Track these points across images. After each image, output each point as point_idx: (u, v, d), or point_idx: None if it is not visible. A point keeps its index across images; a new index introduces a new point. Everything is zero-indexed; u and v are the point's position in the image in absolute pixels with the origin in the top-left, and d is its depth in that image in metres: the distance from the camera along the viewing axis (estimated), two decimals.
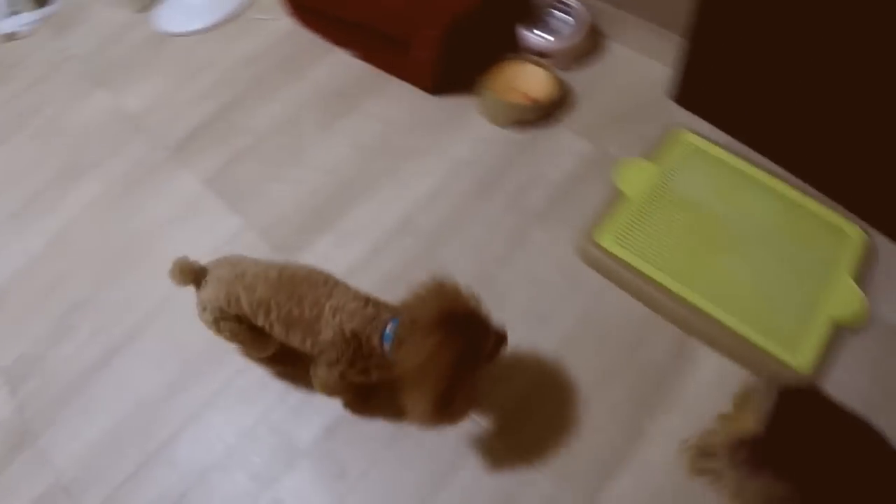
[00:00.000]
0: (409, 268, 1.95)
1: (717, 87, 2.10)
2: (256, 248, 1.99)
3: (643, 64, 2.34)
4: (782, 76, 1.90)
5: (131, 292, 1.98)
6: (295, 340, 1.50)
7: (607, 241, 1.89)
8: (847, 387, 1.70)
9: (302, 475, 1.65)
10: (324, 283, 1.49)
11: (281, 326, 1.48)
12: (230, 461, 1.68)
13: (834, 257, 1.88)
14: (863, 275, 1.86)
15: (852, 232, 1.93)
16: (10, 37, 2.86)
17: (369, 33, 2.34)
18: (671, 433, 1.66)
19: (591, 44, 2.38)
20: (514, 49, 2.36)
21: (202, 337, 1.81)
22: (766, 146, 2.09)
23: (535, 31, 2.34)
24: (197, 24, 2.63)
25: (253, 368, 1.81)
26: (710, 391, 1.71)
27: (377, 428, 1.70)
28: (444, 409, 1.35)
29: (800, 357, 1.71)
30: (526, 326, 1.81)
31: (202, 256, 1.90)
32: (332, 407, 1.73)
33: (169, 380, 1.82)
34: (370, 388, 1.69)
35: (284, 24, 2.61)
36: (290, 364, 1.76)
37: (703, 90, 2.15)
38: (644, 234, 1.91)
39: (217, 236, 2.04)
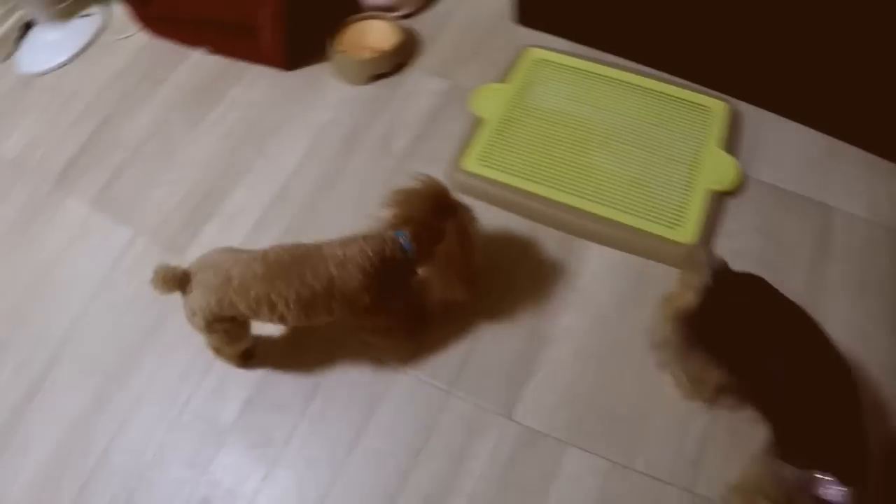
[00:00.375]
0: (293, 232, 2.01)
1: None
2: (148, 252, 2.03)
3: None
4: None
5: (42, 324, 2.00)
6: (320, 316, 1.50)
7: (474, 165, 1.95)
8: (740, 250, 1.78)
9: (232, 452, 1.70)
10: (310, 253, 1.49)
11: (297, 312, 1.46)
12: (164, 456, 1.72)
13: (700, 132, 1.96)
14: (732, 142, 1.94)
15: (714, 105, 2.01)
16: None
17: (218, 27, 2.39)
18: (572, 330, 1.73)
19: None
20: (356, 8, 2.41)
21: (116, 349, 1.89)
22: (614, 44, 2.16)
23: None
24: (59, 59, 2.64)
25: (167, 364, 1.85)
26: (602, 284, 1.79)
27: (292, 389, 1.75)
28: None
29: (682, 232, 1.78)
30: None
31: (100, 274, 1.97)
32: (247, 379, 1.78)
33: (94, 396, 1.84)
34: (418, 309, 1.75)
35: (139, 38, 2.63)
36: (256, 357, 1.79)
37: (542, 5, 2.21)
38: (509, 151, 1.97)
39: (111, 250, 2.07)
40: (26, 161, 2.38)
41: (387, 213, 1.55)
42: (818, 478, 1.17)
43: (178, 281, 1.48)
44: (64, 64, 2.63)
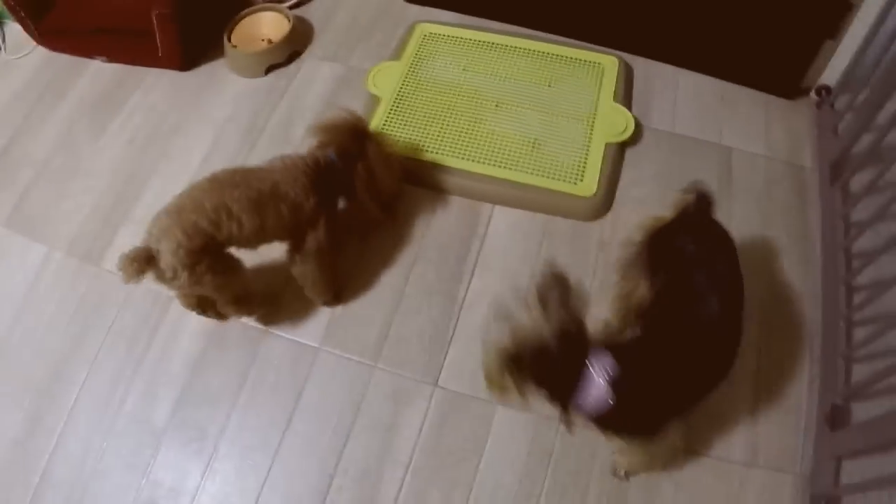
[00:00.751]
0: None
1: None
2: (65, 265, 2.04)
3: None
4: None
5: None
6: (270, 218, 1.56)
7: None
8: (643, 197, 1.85)
9: (170, 450, 1.73)
10: (253, 168, 1.61)
11: (251, 214, 1.52)
12: (104, 464, 1.75)
13: (594, 88, 2.03)
14: (626, 95, 2.00)
15: (605, 61, 2.07)
16: None
17: (113, 35, 2.39)
18: (484, 293, 1.79)
19: None
20: (247, 2, 2.43)
21: (45, 365, 1.90)
22: (500, 12, 2.21)
23: None
24: None
25: (96, 372, 1.87)
26: (509, 244, 1.85)
27: (220, 381, 1.79)
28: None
29: (584, 186, 1.84)
30: None
31: (21, 293, 2.00)
32: (175, 376, 1.82)
33: (29, 414, 1.85)
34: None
35: (37, 54, 2.61)
36: (255, 304, 1.81)
37: None
38: (406, 125, 2.02)
39: (27, 268, 2.07)
40: None
41: (311, 140, 1.70)
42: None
43: (144, 258, 1.47)
44: None
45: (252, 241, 1.62)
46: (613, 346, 1.26)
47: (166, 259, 1.47)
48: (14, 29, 2.68)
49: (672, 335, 1.33)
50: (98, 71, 2.49)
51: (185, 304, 1.78)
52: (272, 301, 1.86)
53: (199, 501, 1.67)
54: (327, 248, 1.69)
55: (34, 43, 2.58)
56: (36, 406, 1.86)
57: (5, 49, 2.66)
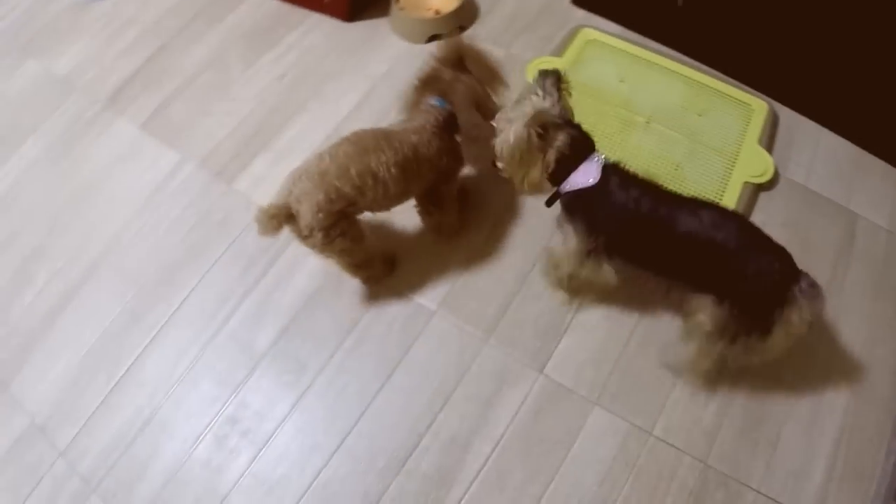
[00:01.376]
0: None
1: None
2: (196, 177, 2.07)
3: None
4: None
5: (83, 235, 2.05)
6: (414, 182, 1.64)
7: None
8: None
9: (264, 375, 1.75)
10: (386, 131, 1.64)
11: (398, 175, 1.57)
12: (195, 373, 1.77)
13: (741, 127, 2.03)
14: (769, 141, 2.00)
15: (755, 104, 2.07)
16: None
17: None
18: (603, 296, 1.78)
19: None
20: None
21: (156, 265, 1.93)
22: (663, 34, 2.22)
23: None
24: None
25: (206, 286, 1.89)
26: None
27: (330, 322, 1.80)
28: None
29: None
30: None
31: (146, 192, 2.05)
32: (285, 308, 1.83)
33: (129, 308, 1.89)
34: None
35: None
36: (380, 266, 1.84)
37: None
38: None
39: (158, 172, 2.11)
40: (77, 80, 2.42)
41: (416, 89, 1.72)
42: None
43: (284, 215, 1.51)
44: None
45: (392, 204, 1.66)
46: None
47: (305, 219, 1.51)
48: None
49: None
50: (259, 3, 2.53)
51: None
52: (391, 265, 1.87)
53: (282, 431, 1.68)
54: (456, 197, 1.78)
55: None
56: (138, 302, 1.90)
57: None
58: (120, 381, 1.79)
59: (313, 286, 1.86)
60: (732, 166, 1.95)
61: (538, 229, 1.89)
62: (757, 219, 1.89)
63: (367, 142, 1.58)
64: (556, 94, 1.50)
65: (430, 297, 1.81)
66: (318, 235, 1.53)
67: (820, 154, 2.08)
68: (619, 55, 2.18)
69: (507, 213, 1.93)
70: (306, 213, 1.50)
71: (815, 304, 1.35)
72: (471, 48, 1.70)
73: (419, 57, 2.18)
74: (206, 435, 1.70)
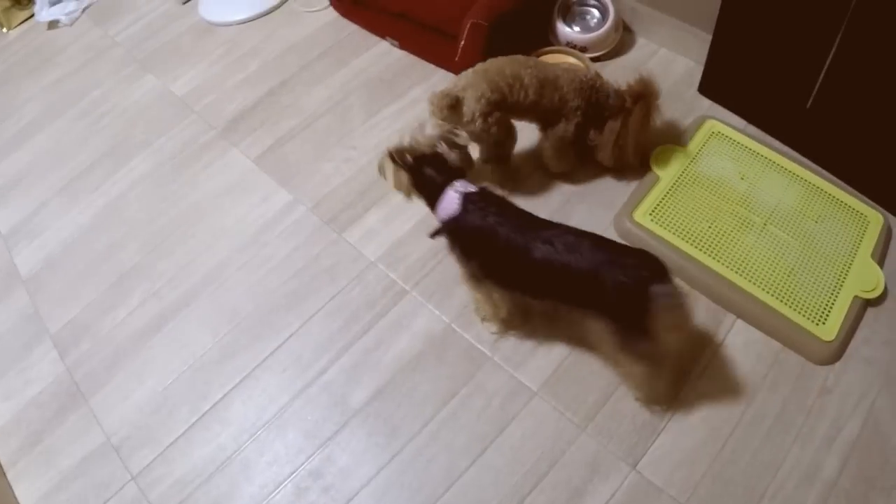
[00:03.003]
0: None
1: (741, 78, 2.20)
2: (307, 221, 2.08)
3: (670, 58, 2.44)
4: (802, 67, 2.00)
5: (183, 261, 2.07)
6: (545, 98, 1.90)
7: (643, 218, 1.99)
8: (870, 358, 1.79)
9: (353, 434, 1.73)
10: (546, 61, 2.00)
11: (535, 89, 1.87)
12: (283, 420, 1.77)
13: (856, 238, 1.99)
14: (881, 254, 1.96)
15: (871, 215, 2.03)
16: (52, 25, 2.95)
17: (413, 24, 2.44)
18: (706, 397, 1.75)
19: (621, 39, 2.48)
20: (547, 41, 2.46)
21: (255, 304, 1.93)
22: (788, 135, 2.19)
23: (568, 24, 2.45)
24: (241, 15, 2.72)
25: (306, 333, 1.89)
26: (741, 358, 1.80)
27: (428, 390, 1.78)
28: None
29: (825, 329, 1.80)
30: None
31: (254, 229, 2.07)
32: (383, 369, 1.82)
33: (222, 343, 1.90)
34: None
35: (327, 14, 2.70)
36: (505, 167, 2.12)
37: (728, 82, 2.25)
38: (677, 212, 2.01)
39: (268, 209, 2.13)
40: (195, 103, 2.46)
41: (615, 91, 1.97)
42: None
43: (454, 97, 1.83)
44: (246, 21, 2.71)
45: (524, 113, 1.95)
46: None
47: (469, 104, 1.84)
48: None
49: None
50: (385, 52, 2.55)
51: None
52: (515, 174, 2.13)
53: (364, 492, 1.67)
54: (568, 140, 2.00)
55: (327, 3, 2.67)
56: (232, 339, 1.91)
57: None
58: (204, 416, 1.80)
59: (416, 349, 1.84)
60: (844, 278, 1.91)
61: None
62: (861, 335, 1.85)
63: (522, 58, 1.92)
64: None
65: (532, 377, 1.78)
66: (479, 120, 1.85)
67: None
68: (742, 151, 2.15)
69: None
70: (470, 99, 1.83)
71: (672, 303, 1.44)
72: (656, 99, 1.96)
73: None
74: (286, 484, 1.69)
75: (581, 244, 1.47)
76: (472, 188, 1.61)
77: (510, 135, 1.99)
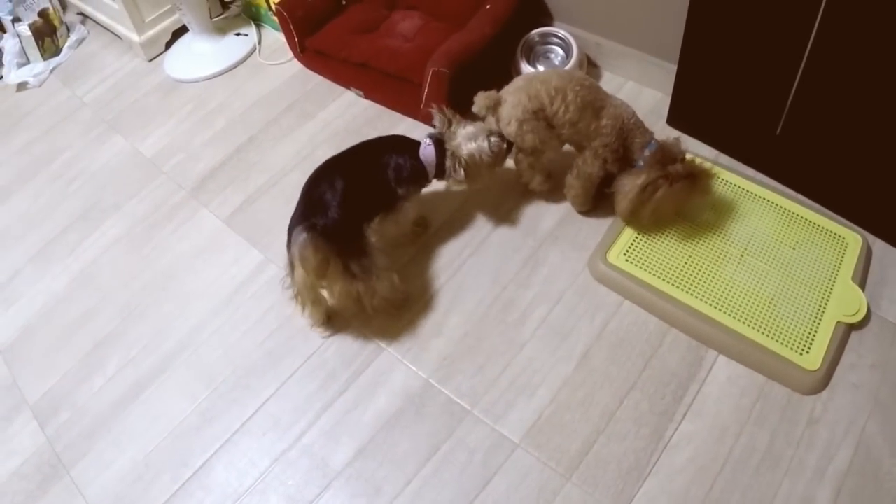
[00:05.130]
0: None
1: (709, 107, 2.20)
2: (279, 280, 2.03)
3: (637, 91, 2.44)
4: (770, 94, 2.01)
5: (158, 326, 2.05)
6: (583, 122, 1.90)
7: (617, 259, 1.98)
8: (856, 383, 1.78)
9: (337, 495, 1.70)
10: (600, 89, 1.95)
11: (577, 108, 1.88)
12: (265, 485, 1.73)
13: (835, 262, 1.97)
14: (861, 276, 1.95)
15: (849, 237, 2.02)
16: (21, 87, 2.94)
17: (376, 74, 2.44)
18: (692, 438, 1.72)
19: (587, 75, 2.46)
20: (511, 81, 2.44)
21: (232, 367, 1.91)
22: (760, 162, 2.19)
23: (532, 64, 2.45)
24: (206, 71, 2.72)
25: (283, 395, 1.87)
26: (725, 396, 1.78)
27: (409, 447, 1.76)
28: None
29: (809, 359, 1.79)
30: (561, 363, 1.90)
31: (227, 290, 2.04)
32: (362, 428, 1.79)
33: (201, 409, 1.87)
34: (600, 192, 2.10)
35: (290, 66, 2.70)
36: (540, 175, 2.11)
37: (696, 112, 2.25)
38: (651, 250, 2.00)
39: (240, 270, 2.11)
40: (163, 163, 2.45)
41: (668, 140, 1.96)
42: None
43: (495, 98, 1.95)
44: (211, 77, 2.71)
45: (560, 129, 1.94)
46: None
47: (507, 109, 1.93)
48: (272, 35, 2.79)
49: None
50: (351, 102, 2.54)
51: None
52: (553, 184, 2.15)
53: None
54: (594, 178, 2.01)
55: (291, 56, 2.66)
56: (210, 404, 1.88)
57: (260, 52, 2.76)
58: (186, 483, 1.76)
59: (395, 407, 1.82)
60: (826, 304, 1.89)
61: (628, 363, 1.85)
62: (846, 360, 1.83)
63: (577, 75, 1.94)
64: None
65: (513, 429, 1.76)
66: (514, 125, 1.92)
67: None
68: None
69: (597, 343, 1.89)
70: (508, 105, 1.92)
71: (300, 243, 1.69)
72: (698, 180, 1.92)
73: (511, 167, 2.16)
74: None
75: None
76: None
77: (548, 147, 1.99)
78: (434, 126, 2.00)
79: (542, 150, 2.00)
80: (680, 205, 1.97)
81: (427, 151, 1.93)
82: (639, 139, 1.92)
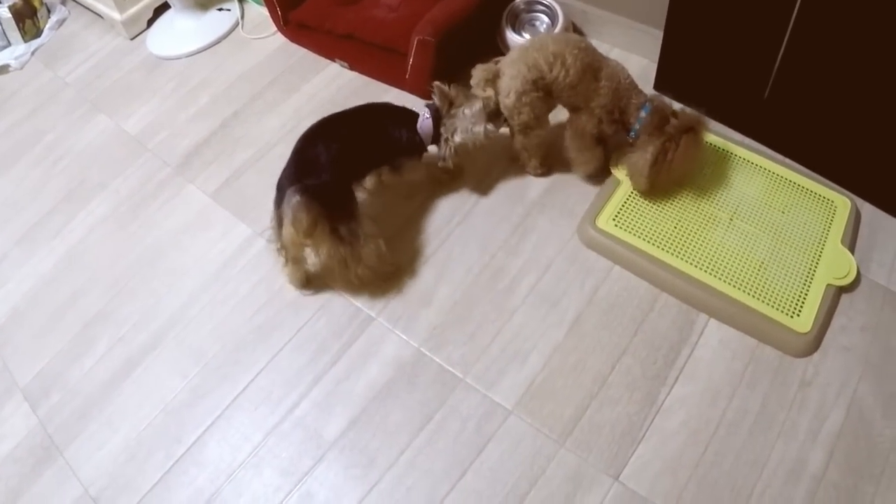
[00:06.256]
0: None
1: (696, 73, 2.20)
2: (267, 253, 2.04)
3: (624, 57, 2.40)
4: (756, 58, 1.99)
5: (147, 304, 2.03)
6: (583, 84, 1.87)
7: (607, 224, 1.97)
8: (847, 345, 1.78)
9: (331, 467, 1.70)
10: (598, 52, 1.91)
11: (577, 71, 1.85)
12: (258, 458, 1.73)
13: (825, 226, 1.97)
14: (851, 239, 1.95)
15: (838, 201, 2.02)
16: (2, 70, 2.91)
17: (361, 45, 2.42)
18: (684, 400, 1.73)
19: None
20: (498, 51, 2.44)
21: (222, 343, 1.90)
22: (748, 126, 2.18)
23: (518, 32, 2.43)
24: (190, 47, 2.69)
25: (274, 369, 1.86)
26: (717, 359, 1.79)
27: (402, 418, 1.75)
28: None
29: (799, 322, 1.79)
30: (542, 316, 1.89)
31: (215, 266, 2.03)
32: (355, 399, 1.79)
33: (192, 385, 1.86)
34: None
35: (274, 40, 2.68)
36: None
37: (683, 77, 2.24)
38: (641, 215, 1.99)
39: (228, 245, 2.10)
40: (148, 140, 2.43)
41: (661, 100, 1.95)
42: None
43: (494, 72, 1.91)
44: (194, 53, 2.68)
45: (559, 94, 1.91)
46: None
47: (506, 81, 1.88)
48: (254, 9, 2.75)
49: None
50: (336, 74, 2.52)
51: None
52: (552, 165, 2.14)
53: None
54: (589, 137, 1.98)
55: (275, 29, 2.64)
56: (201, 380, 1.87)
57: (243, 26, 2.73)
58: (179, 460, 1.76)
59: (386, 377, 1.81)
60: (815, 267, 1.89)
61: (619, 328, 1.85)
62: (837, 323, 1.84)
63: (574, 38, 1.90)
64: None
65: (506, 396, 1.76)
66: (512, 97, 1.87)
67: None
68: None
69: (587, 309, 1.89)
70: (507, 77, 1.87)
71: (293, 205, 1.71)
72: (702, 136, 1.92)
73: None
74: None
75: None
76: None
77: (539, 124, 1.97)
78: (432, 100, 1.98)
79: (532, 128, 1.97)
80: (692, 159, 1.95)
81: (425, 125, 1.94)
82: (634, 100, 1.91)
